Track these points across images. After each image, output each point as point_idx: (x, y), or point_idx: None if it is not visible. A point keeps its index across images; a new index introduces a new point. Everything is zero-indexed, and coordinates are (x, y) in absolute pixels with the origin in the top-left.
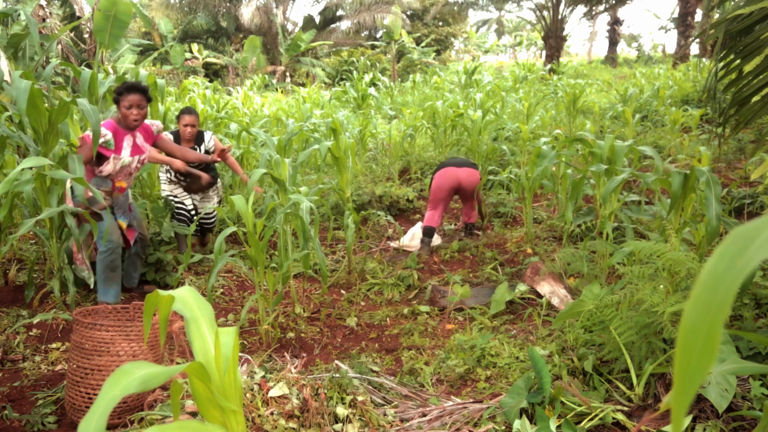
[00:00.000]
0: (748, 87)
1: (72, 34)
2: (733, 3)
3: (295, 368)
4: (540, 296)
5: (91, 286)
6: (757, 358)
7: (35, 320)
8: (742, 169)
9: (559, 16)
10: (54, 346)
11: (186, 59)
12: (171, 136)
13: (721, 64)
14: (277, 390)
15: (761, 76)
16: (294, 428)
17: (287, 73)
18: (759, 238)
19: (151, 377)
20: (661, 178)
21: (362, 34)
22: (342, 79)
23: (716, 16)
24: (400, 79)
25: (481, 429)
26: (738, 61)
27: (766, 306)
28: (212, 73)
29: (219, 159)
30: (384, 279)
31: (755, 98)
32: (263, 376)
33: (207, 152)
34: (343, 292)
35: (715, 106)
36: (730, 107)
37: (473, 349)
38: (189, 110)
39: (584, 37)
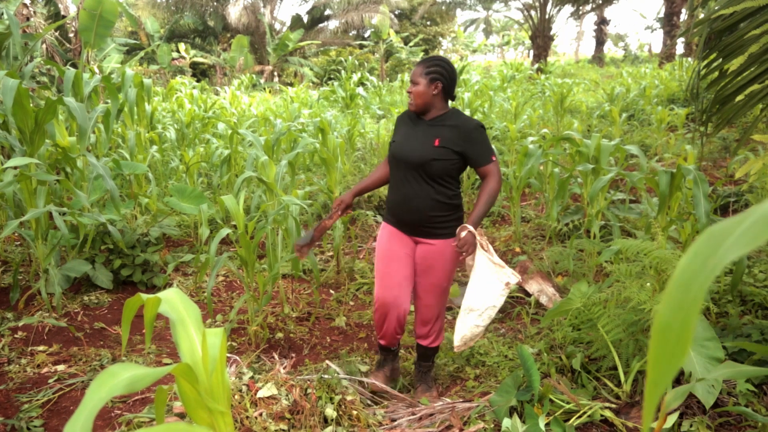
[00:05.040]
0: (731, 85)
1: (57, 34)
2: (715, 2)
3: (284, 369)
4: (528, 295)
5: None
6: (742, 355)
7: (20, 323)
8: (727, 168)
9: (547, 16)
10: (40, 348)
11: (173, 59)
12: None
13: (704, 62)
14: (266, 391)
15: (745, 74)
16: (284, 429)
17: (275, 73)
18: (730, 238)
19: (138, 379)
20: (647, 177)
21: (350, 34)
22: (330, 79)
23: (701, 15)
24: (388, 79)
25: (471, 428)
26: (720, 60)
27: (751, 303)
28: (199, 72)
29: None
30: (373, 278)
31: (739, 97)
32: (252, 377)
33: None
34: (332, 292)
35: (698, 104)
36: (712, 106)
37: None
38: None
39: (571, 37)
